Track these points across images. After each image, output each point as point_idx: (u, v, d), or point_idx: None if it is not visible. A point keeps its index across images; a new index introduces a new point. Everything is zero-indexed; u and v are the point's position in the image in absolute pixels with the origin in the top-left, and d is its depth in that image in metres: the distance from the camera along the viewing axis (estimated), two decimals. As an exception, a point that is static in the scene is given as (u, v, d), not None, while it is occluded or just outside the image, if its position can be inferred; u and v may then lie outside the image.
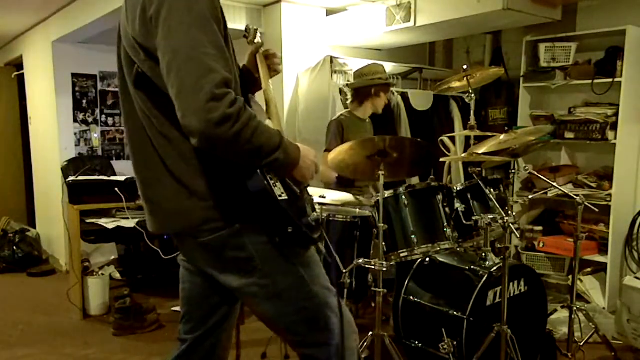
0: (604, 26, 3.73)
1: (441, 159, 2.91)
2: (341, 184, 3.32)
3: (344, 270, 2.59)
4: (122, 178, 3.82)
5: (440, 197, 2.69)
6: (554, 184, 3.05)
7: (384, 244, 2.50)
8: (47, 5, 4.37)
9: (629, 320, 3.03)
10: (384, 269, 2.44)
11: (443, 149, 3.18)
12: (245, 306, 1.63)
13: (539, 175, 3.10)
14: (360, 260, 2.52)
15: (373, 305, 2.86)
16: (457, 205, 2.73)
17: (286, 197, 1.40)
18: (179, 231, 1.53)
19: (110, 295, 3.86)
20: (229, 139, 1.28)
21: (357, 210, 2.88)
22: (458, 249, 2.78)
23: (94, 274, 3.92)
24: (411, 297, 2.76)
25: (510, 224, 2.30)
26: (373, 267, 2.47)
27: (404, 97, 4.22)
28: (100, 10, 3.80)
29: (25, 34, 5.46)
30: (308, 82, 4.00)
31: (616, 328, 3.14)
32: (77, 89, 4.93)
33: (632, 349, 3.05)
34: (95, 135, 5.05)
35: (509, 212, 2.75)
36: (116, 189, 3.70)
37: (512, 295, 2.59)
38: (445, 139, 3.20)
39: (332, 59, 3.88)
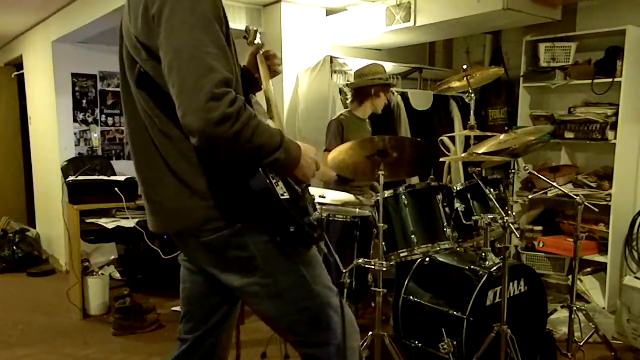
0: (604, 26, 3.73)
1: (441, 159, 2.91)
2: (341, 181, 3.32)
3: (344, 270, 2.59)
4: (122, 178, 3.82)
5: (440, 197, 2.69)
6: (554, 184, 3.05)
7: (384, 244, 2.50)
8: (47, 5, 4.37)
9: (629, 320, 3.03)
10: (384, 269, 2.44)
11: (443, 149, 3.18)
12: (247, 306, 1.63)
13: (539, 175, 3.10)
14: (360, 260, 2.52)
15: (373, 305, 2.86)
16: (457, 205, 2.73)
17: (288, 197, 1.40)
18: (181, 231, 1.53)
19: (110, 295, 3.86)
20: (229, 139, 1.28)
21: (357, 210, 2.88)
22: (458, 249, 2.78)
23: (94, 274, 3.92)
24: (411, 297, 2.76)
25: (510, 224, 2.30)
26: (373, 267, 2.47)
27: (404, 97, 4.22)
28: (100, 10, 3.80)
29: (25, 34, 5.46)
30: (308, 82, 4.00)
31: (616, 328, 3.14)
32: (77, 89, 4.93)
33: (632, 349, 3.05)
34: (95, 135, 5.05)
35: (509, 212, 2.75)
36: (116, 189, 3.70)
37: (512, 295, 2.59)
38: (445, 139, 3.20)
39: (332, 59, 3.88)
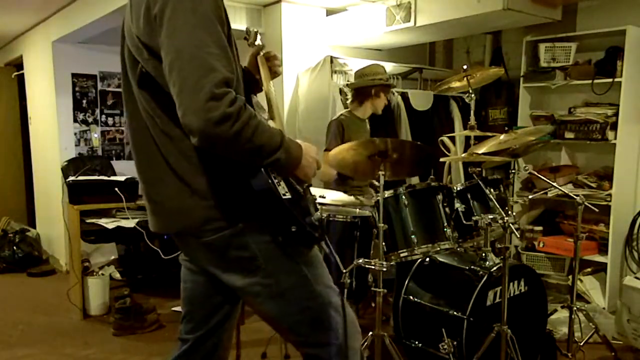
0: (604, 26, 3.73)
1: (441, 159, 2.91)
2: (340, 179, 3.32)
3: (344, 270, 2.59)
4: (122, 178, 3.82)
5: (440, 197, 2.69)
6: (554, 184, 3.05)
7: (384, 244, 2.50)
8: (47, 5, 4.37)
9: (629, 320, 3.03)
10: (384, 269, 2.44)
11: (443, 149, 3.18)
12: (248, 306, 1.63)
13: (539, 175, 3.10)
14: (360, 260, 2.52)
15: (373, 305, 2.86)
16: (457, 205, 2.73)
17: (290, 196, 1.40)
18: (181, 230, 1.53)
19: (110, 295, 3.86)
20: (229, 138, 1.28)
21: (357, 210, 2.88)
22: (458, 249, 2.78)
23: (94, 274, 3.92)
24: (411, 297, 2.76)
25: (510, 224, 2.30)
26: (373, 267, 2.47)
27: (404, 97, 4.22)
28: (100, 10, 3.80)
29: (25, 34, 5.46)
30: (308, 82, 4.00)
31: (616, 328, 3.14)
32: (77, 89, 4.93)
33: (632, 349, 3.05)
34: (95, 135, 5.05)
35: (509, 212, 2.75)
36: (116, 189, 3.70)
37: (512, 295, 2.59)
38: (445, 139, 3.20)
39: (332, 59, 3.88)
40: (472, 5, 3.37)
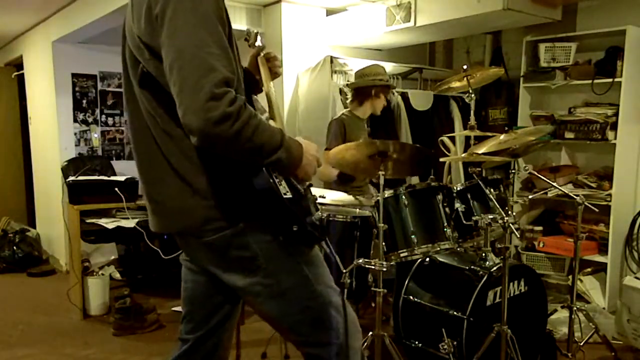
0: (604, 26, 3.73)
1: (441, 159, 2.91)
2: (341, 181, 3.32)
3: (344, 270, 2.59)
4: (122, 178, 3.82)
5: (440, 197, 2.69)
6: (554, 184, 3.05)
7: (384, 244, 2.50)
8: (47, 5, 4.37)
9: (629, 320, 3.03)
10: (384, 269, 2.44)
11: (443, 149, 3.18)
12: (248, 306, 1.63)
13: (539, 175, 3.10)
14: (360, 260, 2.52)
15: (373, 305, 2.86)
16: (457, 205, 2.73)
17: (291, 196, 1.40)
18: (182, 230, 1.53)
19: (110, 295, 3.86)
20: (230, 138, 1.28)
21: (357, 210, 2.87)
22: (458, 249, 2.78)
23: (94, 274, 3.92)
24: (411, 297, 2.76)
25: (510, 224, 2.30)
26: (373, 267, 2.47)
27: (404, 97, 4.22)
28: (100, 10, 3.80)
29: (25, 34, 5.46)
30: (308, 82, 4.00)
31: (616, 328, 3.14)
32: (77, 89, 4.93)
33: (632, 349, 3.05)
34: (95, 135, 5.05)
35: (509, 212, 2.75)
36: (116, 189, 3.70)
37: (512, 295, 2.59)
38: (445, 139, 3.20)
39: (332, 59, 3.88)
40: (472, 5, 3.37)
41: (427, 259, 2.80)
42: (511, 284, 2.59)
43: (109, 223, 3.68)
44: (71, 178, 3.82)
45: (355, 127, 3.41)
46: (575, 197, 2.81)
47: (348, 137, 3.26)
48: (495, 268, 2.52)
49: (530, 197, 3.61)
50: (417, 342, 2.71)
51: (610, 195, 3.67)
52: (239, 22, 3.96)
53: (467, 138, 3.35)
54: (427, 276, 2.80)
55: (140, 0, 1.37)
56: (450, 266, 2.76)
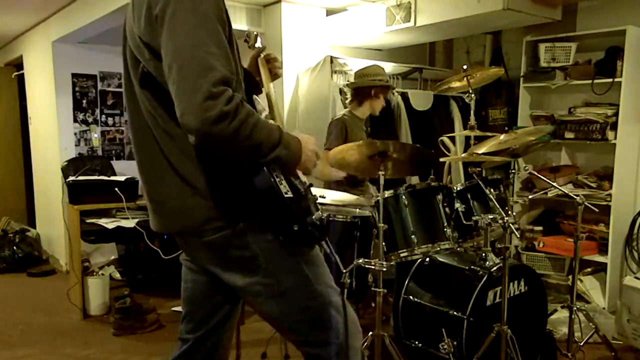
0: (604, 26, 3.73)
1: (441, 159, 2.91)
2: (350, 185, 3.31)
3: (344, 270, 2.59)
4: (122, 178, 3.82)
5: (440, 197, 2.69)
6: (554, 184, 3.05)
7: (384, 244, 2.50)
8: (47, 5, 4.37)
9: (629, 320, 3.03)
10: (384, 269, 2.44)
11: (443, 149, 3.18)
12: (248, 305, 1.63)
13: (539, 175, 3.10)
14: (360, 260, 2.52)
15: (373, 305, 2.86)
16: (457, 205, 2.73)
17: (292, 195, 1.40)
18: (182, 230, 1.53)
19: (110, 295, 3.86)
20: (228, 136, 1.28)
21: (357, 210, 2.87)
22: (458, 249, 2.78)
23: (94, 274, 3.92)
24: (411, 297, 2.76)
25: (510, 224, 2.30)
26: (373, 267, 2.47)
27: (404, 97, 4.22)
28: (100, 10, 3.80)
29: (25, 34, 5.46)
30: (308, 82, 4.00)
31: (616, 328, 3.14)
32: (77, 89, 4.94)
33: (632, 349, 3.05)
34: (95, 135, 5.05)
35: (509, 212, 2.75)
36: (116, 189, 3.70)
37: (512, 295, 2.59)
38: (445, 139, 3.20)
39: (332, 59, 3.88)
40: (472, 5, 3.37)
41: (427, 259, 2.80)
42: (511, 284, 2.59)
43: (109, 223, 3.68)
44: (71, 178, 3.82)
45: (356, 128, 3.41)
46: (575, 197, 2.81)
47: (349, 138, 3.26)
48: (495, 268, 2.52)
49: (530, 197, 3.61)
50: (417, 342, 2.71)
51: (610, 195, 3.67)
52: (239, 22, 3.96)
53: (467, 138, 3.35)
54: (427, 276, 2.80)
55: (140, 0, 1.37)
56: (450, 266, 2.76)
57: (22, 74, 5.77)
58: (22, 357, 3.16)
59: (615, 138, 3.66)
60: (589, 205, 2.86)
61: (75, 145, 4.94)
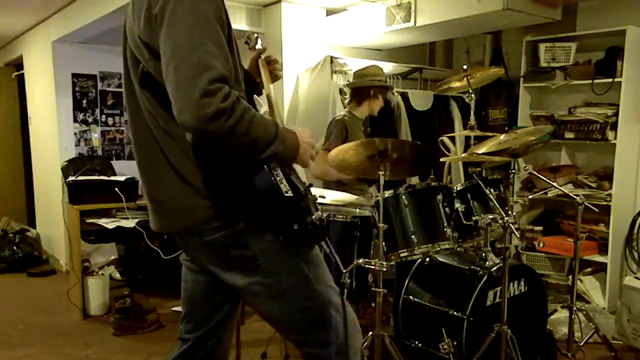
0: (604, 26, 3.73)
1: (441, 159, 2.91)
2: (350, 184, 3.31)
3: (344, 270, 2.59)
4: (122, 178, 3.82)
5: (440, 197, 2.69)
6: (554, 184, 3.05)
7: (384, 244, 2.50)
8: (47, 5, 4.37)
9: (629, 320, 3.03)
10: (384, 269, 2.43)
11: (443, 149, 3.18)
12: (248, 305, 1.64)
13: (539, 175, 3.10)
14: (360, 260, 2.52)
15: (373, 305, 2.86)
16: (457, 205, 2.73)
17: (292, 194, 1.40)
18: (182, 230, 1.53)
19: (110, 295, 3.86)
20: (225, 133, 1.28)
21: (357, 210, 2.87)
22: (458, 249, 2.78)
23: (94, 274, 3.92)
24: (411, 297, 2.76)
25: (510, 224, 2.30)
26: (373, 267, 2.47)
27: (404, 97, 4.22)
28: (100, 10, 3.80)
29: (25, 34, 5.46)
30: (308, 82, 4.00)
31: (616, 328, 3.14)
32: (77, 89, 4.94)
33: (632, 349, 3.05)
34: (95, 135, 5.05)
35: (509, 212, 2.75)
36: (116, 189, 3.70)
37: (512, 295, 2.59)
38: (445, 139, 3.20)
39: (332, 59, 3.88)
40: (472, 5, 3.37)
41: (427, 259, 2.80)
42: (511, 284, 2.59)
43: (109, 223, 3.68)
44: (71, 178, 3.82)
45: (356, 128, 3.41)
46: (575, 197, 2.81)
47: (349, 138, 3.25)
48: (495, 268, 2.52)
49: (530, 197, 3.61)
50: (417, 342, 2.71)
51: (610, 195, 3.67)
52: (239, 22, 3.96)
53: (467, 138, 3.34)
54: (427, 276, 2.80)
55: (140, 0, 1.37)
56: (450, 266, 2.76)
57: (22, 74, 5.77)
58: (22, 357, 3.16)
59: (615, 138, 3.66)
60: (589, 205, 2.86)
61: (75, 145, 4.94)
